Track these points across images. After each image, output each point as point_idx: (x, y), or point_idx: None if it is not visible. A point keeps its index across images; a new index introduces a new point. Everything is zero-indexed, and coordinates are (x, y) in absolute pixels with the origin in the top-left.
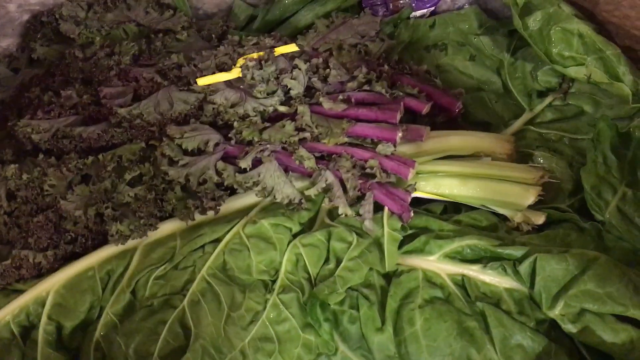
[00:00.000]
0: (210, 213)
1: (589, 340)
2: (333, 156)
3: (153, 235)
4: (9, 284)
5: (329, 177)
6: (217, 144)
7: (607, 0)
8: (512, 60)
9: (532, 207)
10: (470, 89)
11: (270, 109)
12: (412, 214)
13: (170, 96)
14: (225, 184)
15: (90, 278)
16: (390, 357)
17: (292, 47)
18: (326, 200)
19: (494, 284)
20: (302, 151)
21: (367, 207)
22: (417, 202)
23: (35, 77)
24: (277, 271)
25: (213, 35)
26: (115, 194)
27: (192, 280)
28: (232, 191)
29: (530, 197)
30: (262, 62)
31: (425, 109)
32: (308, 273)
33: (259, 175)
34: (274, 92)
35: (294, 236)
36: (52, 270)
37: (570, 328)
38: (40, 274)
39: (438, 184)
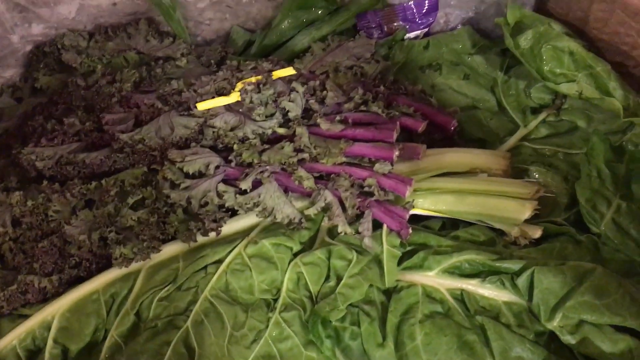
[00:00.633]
0: (212, 234)
1: (588, 351)
2: (332, 176)
3: (156, 258)
4: (15, 309)
5: (328, 196)
6: (217, 167)
7: (596, 18)
8: (506, 79)
9: (529, 221)
10: (465, 107)
11: (269, 131)
12: (410, 231)
13: (171, 121)
14: (226, 205)
15: (95, 301)
16: None
17: (289, 71)
18: (326, 219)
19: (492, 298)
20: (301, 171)
21: (366, 224)
22: (416, 219)
23: (38, 105)
24: (278, 290)
25: (212, 61)
26: (119, 217)
27: (195, 301)
28: (233, 212)
29: (526, 212)
30: (261, 85)
31: (421, 127)
32: (309, 291)
33: (259, 196)
34: (272, 115)
35: (295, 255)
36: (57, 294)
37: (569, 339)
38: (46, 298)
39: (435, 201)
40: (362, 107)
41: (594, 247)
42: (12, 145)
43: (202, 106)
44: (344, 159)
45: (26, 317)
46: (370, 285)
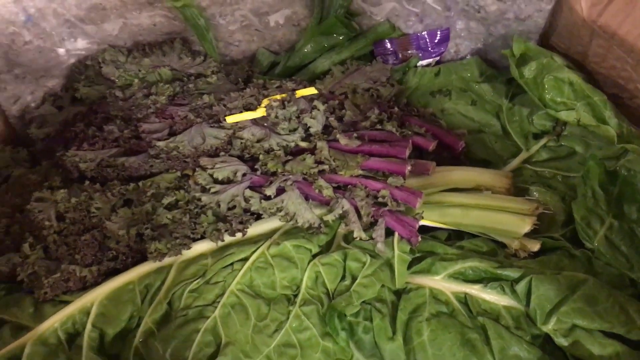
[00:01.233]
0: (238, 235)
1: (579, 353)
2: (348, 186)
3: (187, 254)
4: (56, 295)
5: (345, 204)
6: (244, 174)
7: (595, 53)
8: (510, 106)
9: (528, 235)
10: (472, 131)
11: (292, 144)
12: (419, 238)
13: (203, 132)
14: (252, 209)
15: (131, 291)
16: None
17: (311, 90)
18: (342, 226)
19: (493, 302)
20: (321, 181)
21: (379, 231)
22: (424, 230)
23: (78, 114)
24: (298, 287)
25: (239, 79)
26: (154, 216)
27: (223, 293)
28: (257, 217)
29: (526, 226)
30: (285, 102)
31: (432, 146)
32: (326, 288)
33: (283, 202)
34: (295, 130)
35: (314, 257)
36: (96, 284)
37: (562, 342)
38: (85, 287)
39: (443, 213)
40: (378, 126)
41: (588, 261)
42: (54, 149)
43: (231, 119)
44: (360, 172)
45: (67, 303)
46: (382, 286)
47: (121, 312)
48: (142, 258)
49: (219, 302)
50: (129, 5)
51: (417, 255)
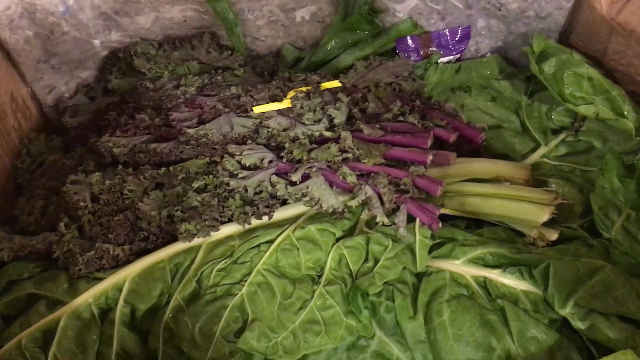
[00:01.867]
0: (265, 218)
1: (596, 336)
2: (371, 174)
3: (215, 236)
4: (90, 273)
5: (369, 191)
6: (270, 161)
7: (614, 50)
8: (529, 102)
9: (546, 225)
10: (492, 127)
11: (317, 133)
12: (440, 225)
13: (231, 120)
14: (278, 195)
15: (161, 269)
16: (421, 342)
17: (335, 83)
18: (364, 212)
19: (512, 286)
20: (345, 168)
21: (401, 217)
22: (444, 219)
23: (110, 103)
24: (322, 268)
25: (265, 72)
26: (185, 198)
27: (249, 273)
28: (283, 202)
29: (545, 215)
30: (310, 94)
31: (452, 138)
32: (350, 270)
33: (308, 188)
34: (319, 120)
35: (337, 240)
36: (128, 262)
37: (579, 325)
38: (117, 265)
39: (463, 202)
40: (400, 118)
41: (605, 250)
42: (87, 137)
43: (258, 109)
44: (382, 161)
45: (100, 280)
46: (404, 268)
47: (152, 289)
48: (171, 239)
49: (246, 280)
50: None
51: (438, 241)
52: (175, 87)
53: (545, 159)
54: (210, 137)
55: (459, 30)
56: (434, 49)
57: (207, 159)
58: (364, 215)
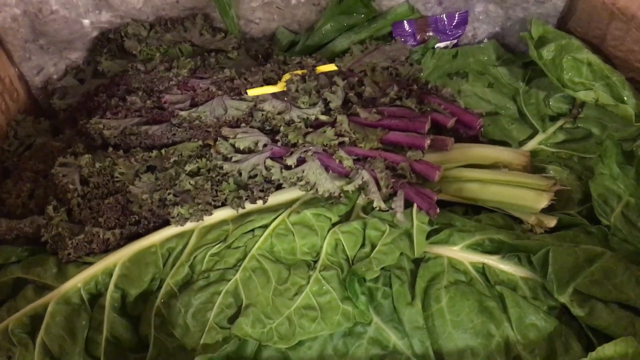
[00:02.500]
0: (259, 202)
1: (595, 323)
2: (368, 159)
3: (208, 220)
4: (79, 257)
5: (365, 175)
6: (265, 145)
7: (613, 36)
8: (527, 89)
9: (545, 211)
10: (489, 113)
11: (312, 117)
12: (437, 210)
13: (225, 103)
14: (272, 179)
15: (153, 253)
16: (419, 328)
17: (331, 67)
18: (361, 197)
19: (511, 273)
20: (341, 152)
21: (398, 202)
22: (442, 204)
23: (100, 86)
24: (318, 253)
25: (260, 55)
26: (177, 182)
27: (244, 258)
28: (277, 187)
29: (544, 201)
30: (306, 77)
31: (450, 123)
32: (346, 255)
33: (303, 172)
34: (315, 104)
35: (333, 225)
36: (118, 247)
37: (578, 312)
38: (108, 249)
39: (461, 188)
40: (397, 103)
41: (604, 237)
42: (76, 119)
43: (252, 92)
44: (379, 146)
45: (90, 264)
46: (401, 254)
47: (143, 274)
48: (163, 223)
49: (240, 265)
50: None
51: (435, 227)
52: (167, 69)
53: (542, 146)
54: (203, 120)
55: (457, 15)
56: (431, 33)
57: (200, 142)
58: (361, 201)
